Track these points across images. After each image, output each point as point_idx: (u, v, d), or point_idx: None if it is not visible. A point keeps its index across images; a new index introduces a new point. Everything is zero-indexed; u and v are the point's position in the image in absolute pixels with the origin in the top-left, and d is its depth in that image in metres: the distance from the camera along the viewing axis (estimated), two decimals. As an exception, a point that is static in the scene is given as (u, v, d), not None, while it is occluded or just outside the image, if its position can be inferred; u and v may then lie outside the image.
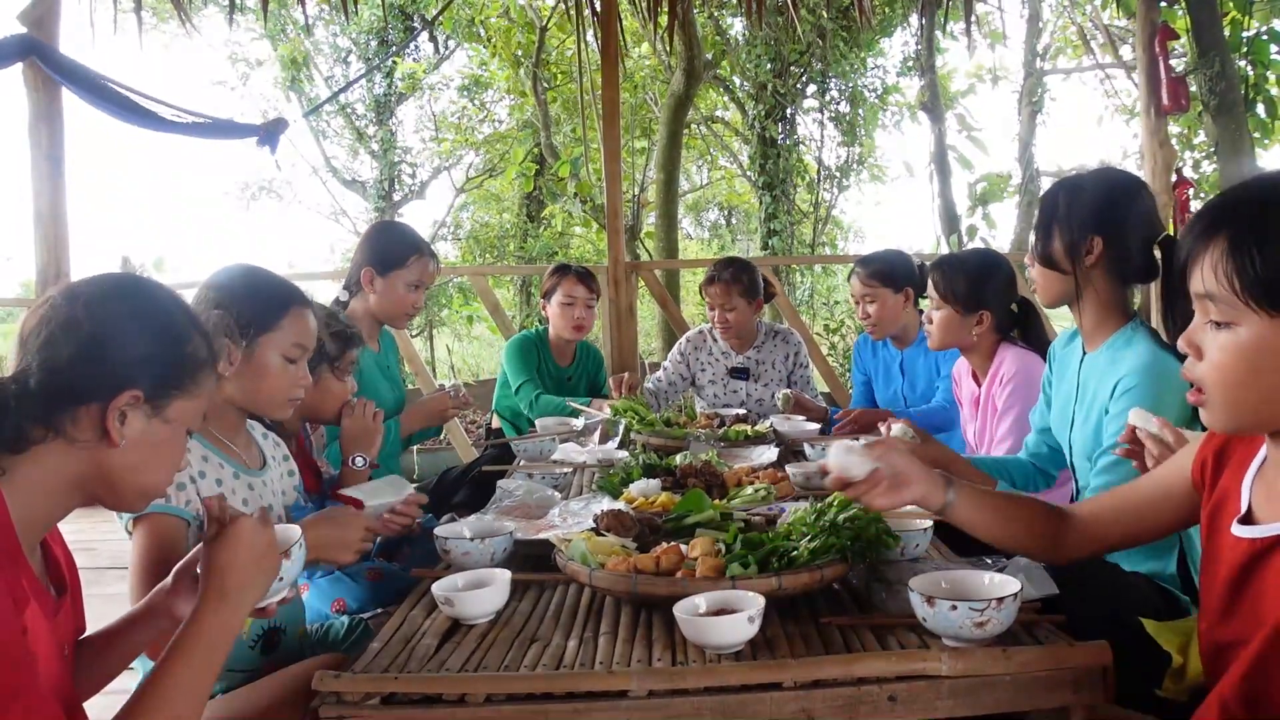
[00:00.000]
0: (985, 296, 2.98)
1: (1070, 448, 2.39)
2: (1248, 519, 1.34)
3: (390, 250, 3.27)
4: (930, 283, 3.06)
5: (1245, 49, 7.68)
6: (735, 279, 4.18)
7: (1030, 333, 3.06)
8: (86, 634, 1.56)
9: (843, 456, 1.68)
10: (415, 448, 6.50)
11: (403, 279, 3.27)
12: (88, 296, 1.36)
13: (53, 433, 1.29)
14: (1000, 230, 12.26)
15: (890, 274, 3.77)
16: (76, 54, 5.84)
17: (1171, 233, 2.27)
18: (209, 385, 1.47)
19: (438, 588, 1.72)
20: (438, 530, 2.04)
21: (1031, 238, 2.41)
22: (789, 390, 3.93)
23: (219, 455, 2.01)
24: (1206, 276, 1.24)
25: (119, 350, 1.34)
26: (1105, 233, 2.22)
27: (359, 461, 2.43)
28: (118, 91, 5.50)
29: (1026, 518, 1.72)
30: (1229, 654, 1.29)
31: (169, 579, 1.59)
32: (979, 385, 3.07)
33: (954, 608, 1.44)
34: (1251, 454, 1.40)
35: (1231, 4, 7.51)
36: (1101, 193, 2.26)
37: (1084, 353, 2.37)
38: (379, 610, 2.42)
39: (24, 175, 6.68)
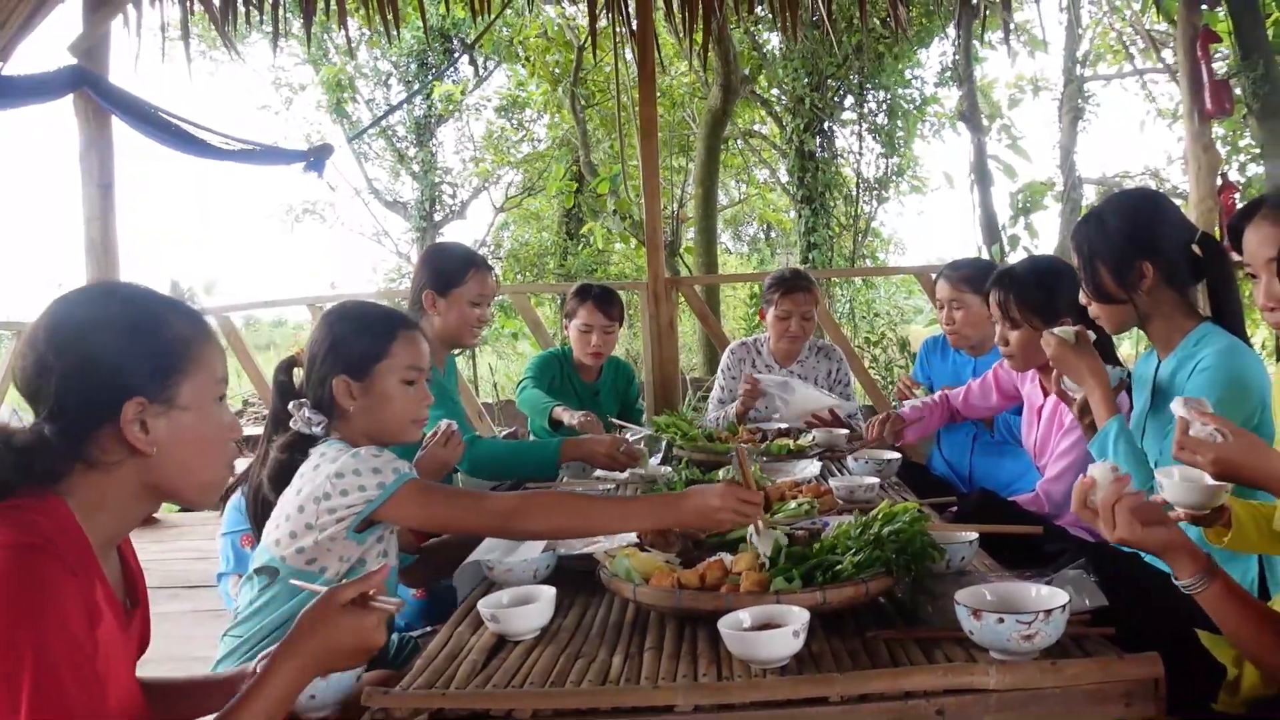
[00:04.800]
0: (1063, 302, 2.76)
1: None
2: None
3: (447, 269, 3.28)
4: (994, 304, 2.92)
5: (1290, 50, 7.56)
6: (813, 284, 4.23)
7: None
8: (168, 679, 1.59)
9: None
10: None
11: (464, 295, 3.27)
12: (45, 335, 1.32)
13: (86, 464, 1.29)
14: (1043, 239, 12.11)
15: (980, 281, 3.66)
16: (125, 82, 5.97)
17: (1217, 237, 2.26)
18: (211, 354, 1.41)
19: (483, 604, 1.73)
20: (481, 545, 2.05)
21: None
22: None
23: None
24: None
25: (96, 369, 1.30)
26: (1149, 255, 2.24)
27: None
28: (167, 120, 5.60)
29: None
30: None
31: (254, 666, 1.58)
32: (1044, 395, 2.99)
33: (1001, 620, 1.43)
34: None
35: (1275, 5, 7.40)
36: (1128, 217, 2.29)
37: (1159, 361, 2.36)
38: (428, 629, 2.44)
39: (75, 203, 6.85)
